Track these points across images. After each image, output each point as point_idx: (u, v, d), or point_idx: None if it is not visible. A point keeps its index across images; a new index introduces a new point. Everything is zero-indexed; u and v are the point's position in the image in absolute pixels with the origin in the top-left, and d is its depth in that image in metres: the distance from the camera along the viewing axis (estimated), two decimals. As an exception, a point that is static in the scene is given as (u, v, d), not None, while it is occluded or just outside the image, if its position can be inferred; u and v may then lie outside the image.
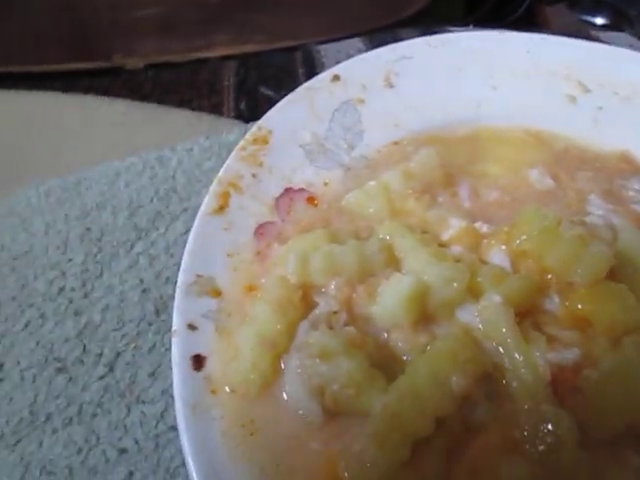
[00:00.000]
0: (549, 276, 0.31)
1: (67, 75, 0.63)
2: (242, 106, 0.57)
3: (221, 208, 0.35)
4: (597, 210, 0.38)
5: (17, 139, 0.43)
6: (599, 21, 1.36)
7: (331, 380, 0.27)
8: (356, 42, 0.68)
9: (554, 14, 1.46)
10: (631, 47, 0.68)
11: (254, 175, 0.37)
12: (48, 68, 0.64)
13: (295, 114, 0.41)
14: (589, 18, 1.37)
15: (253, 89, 0.59)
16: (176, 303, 0.31)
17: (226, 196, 0.36)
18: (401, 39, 0.71)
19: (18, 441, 0.33)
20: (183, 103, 0.57)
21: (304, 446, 0.27)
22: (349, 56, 0.66)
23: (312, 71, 0.62)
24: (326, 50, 0.66)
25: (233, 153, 0.38)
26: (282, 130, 0.40)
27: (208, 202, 0.35)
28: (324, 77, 0.43)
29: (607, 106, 0.44)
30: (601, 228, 0.35)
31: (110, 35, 0.69)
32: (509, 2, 1.44)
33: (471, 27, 0.73)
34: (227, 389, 0.29)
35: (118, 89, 0.59)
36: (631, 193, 0.40)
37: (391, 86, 0.44)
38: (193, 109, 0.56)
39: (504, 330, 0.30)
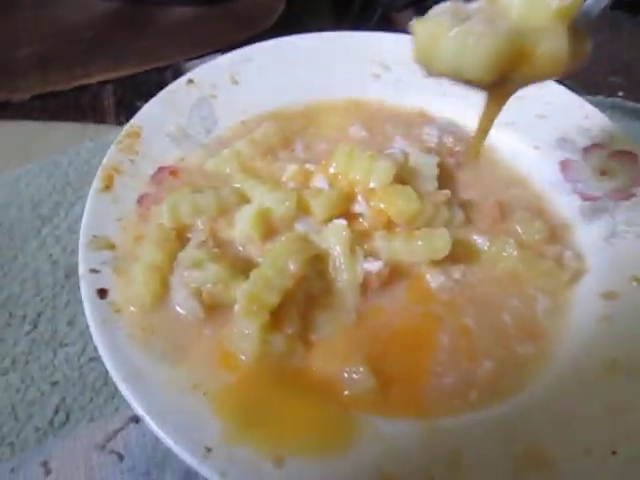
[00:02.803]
0: (355, 188, 0.44)
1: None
2: (122, 119, 0.66)
3: (107, 187, 0.45)
4: (398, 145, 0.52)
5: None
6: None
7: (204, 281, 0.38)
8: (216, 57, 0.79)
9: (403, 20, 1.67)
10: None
11: (132, 161, 0.47)
12: None
13: (160, 112, 0.51)
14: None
15: (130, 104, 0.69)
16: (80, 256, 0.40)
17: (110, 178, 0.45)
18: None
19: (-38, 393, 0.40)
20: (69, 124, 0.66)
21: (198, 333, 0.37)
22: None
23: (182, 85, 0.73)
24: (193, 66, 0.77)
25: (112, 146, 0.47)
26: (151, 125, 0.50)
27: (96, 183, 0.44)
28: (180, 82, 0.54)
29: (403, 78, 0.59)
30: (396, 154, 0.48)
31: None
32: (366, 11, 1.64)
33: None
34: (130, 309, 0.38)
35: (8, 120, 0.67)
36: (425, 136, 0.54)
37: (236, 83, 0.55)
38: (79, 128, 0.65)
39: (339, 248, 0.41)
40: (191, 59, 0.80)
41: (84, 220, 0.42)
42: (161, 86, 0.73)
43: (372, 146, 0.52)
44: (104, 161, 0.46)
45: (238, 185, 0.45)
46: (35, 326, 0.42)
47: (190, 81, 0.54)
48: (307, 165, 0.48)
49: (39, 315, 0.43)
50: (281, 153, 0.50)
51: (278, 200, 0.42)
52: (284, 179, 0.47)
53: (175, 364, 0.36)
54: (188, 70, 0.77)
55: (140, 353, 0.36)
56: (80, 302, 0.43)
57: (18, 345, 0.42)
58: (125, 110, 0.68)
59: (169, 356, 0.36)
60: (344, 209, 0.44)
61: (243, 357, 0.37)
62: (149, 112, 0.51)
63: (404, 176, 0.46)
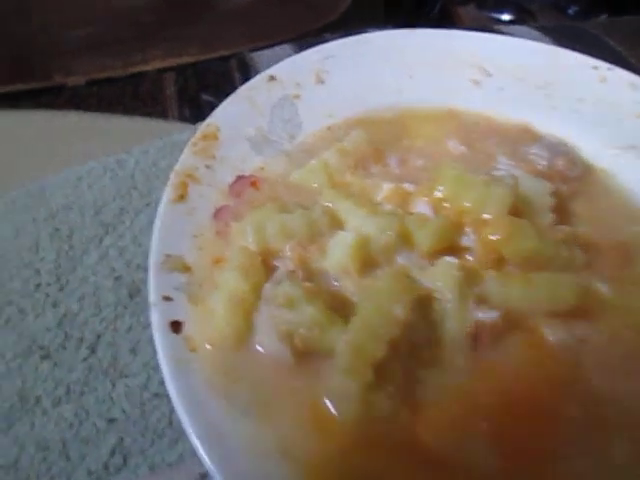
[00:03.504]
0: (464, 217, 0.38)
1: (8, 97, 0.65)
2: (186, 112, 0.61)
3: (181, 197, 0.39)
4: (502, 166, 0.45)
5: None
6: (505, 17, 1.49)
7: (298, 324, 0.32)
8: (286, 48, 0.73)
9: (465, 13, 1.58)
10: (530, 36, 0.78)
11: (208, 166, 0.42)
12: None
13: (239, 112, 0.45)
14: (496, 15, 1.50)
15: (194, 96, 0.64)
16: (150, 280, 0.34)
17: (184, 186, 0.40)
18: (326, 42, 0.78)
19: (11, 425, 0.35)
20: (128, 113, 0.60)
21: (287, 385, 0.32)
22: (280, 61, 0.72)
23: (247, 76, 0.67)
24: (259, 57, 0.72)
25: (186, 149, 0.42)
26: (229, 126, 0.44)
27: (168, 192, 0.39)
28: (261, 78, 0.48)
29: (507, 87, 0.52)
30: (504, 177, 0.41)
31: (47, 56, 0.71)
32: (424, 5, 1.55)
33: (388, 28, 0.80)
34: (207, 346, 0.33)
35: (62, 106, 0.62)
36: (531, 156, 0.48)
37: (322, 82, 0.49)
38: (139, 119, 0.60)
39: (449, 292, 0.35)
40: (256, 49, 0.74)
41: (156, 235, 0.37)
42: (226, 77, 0.69)
43: (473, 165, 0.45)
44: (178, 166, 0.41)
45: (328, 204, 0.39)
46: (93, 351, 0.37)
47: (272, 78, 0.48)
48: (405, 185, 0.42)
49: (98, 338, 0.38)
50: (373, 167, 0.44)
51: (379, 228, 0.36)
52: (379, 199, 0.41)
53: (260, 421, 0.30)
54: (253, 60, 0.72)
55: (220, 405, 0.30)
56: (144, 328, 0.38)
57: (73, 372, 0.37)
58: (188, 102, 0.63)
59: (253, 411, 0.30)
60: (450, 242, 0.38)
61: (339, 417, 0.31)
62: (226, 111, 0.45)
63: (517, 206, 0.40)
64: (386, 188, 0.41)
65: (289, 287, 0.33)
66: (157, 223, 0.37)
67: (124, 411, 0.36)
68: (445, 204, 0.39)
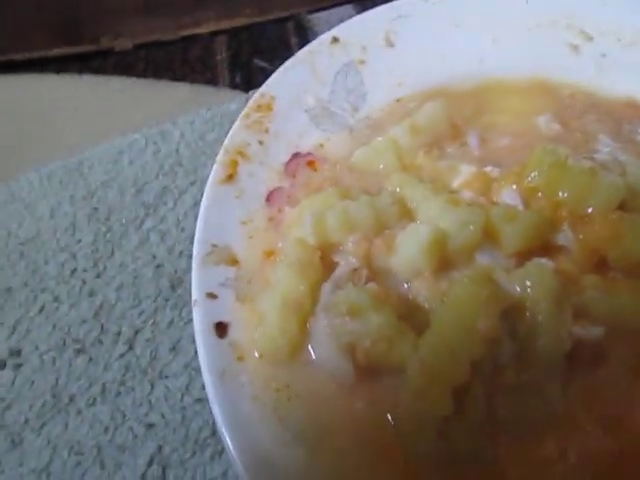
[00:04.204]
0: (561, 211, 0.31)
1: (55, 61, 0.62)
2: (237, 79, 0.56)
3: (230, 177, 0.35)
4: (605, 148, 0.38)
5: (13, 124, 0.42)
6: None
7: (362, 336, 0.27)
8: (347, 9, 0.67)
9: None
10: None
11: (260, 142, 0.37)
12: (34, 55, 0.63)
13: (297, 79, 0.40)
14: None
15: (247, 61, 0.59)
16: (194, 274, 0.30)
17: (234, 164, 0.35)
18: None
19: (43, 425, 0.33)
20: (177, 80, 0.56)
21: (347, 406, 0.27)
22: (341, 23, 0.65)
23: (305, 40, 0.61)
24: (318, 19, 0.66)
25: (237, 121, 0.37)
26: (285, 96, 0.39)
27: (216, 171, 0.35)
28: (323, 40, 0.42)
29: (610, 53, 0.44)
30: (609, 162, 0.34)
31: (95, 18, 0.67)
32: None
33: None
34: (255, 355, 0.28)
35: (109, 71, 0.58)
36: (640, 137, 0.40)
37: (391, 45, 0.43)
38: (188, 85, 0.55)
39: (543, 301, 0.29)
40: (315, 10, 0.67)
41: (201, 222, 0.32)
42: (282, 41, 0.63)
43: (569, 146, 0.38)
44: (227, 141, 0.36)
45: (397, 189, 0.34)
46: (131, 347, 0.34)
47: (335, 40, 0.42)
48: (488, 168, 0.35)
49: (136, 333, 0.34)
50: (449, 147, 0.38)
51: (461, 222, 0.30)
52: (456, 185, 0.35)
53: (316, 449, 0.26)
54: (311, 22, 0.66)
55: (271, 428, 0.26)
56: (186, 323, 0.34)
57: (109, 370, 0.34)
58: (240, 68, 0.57)
59: (308, 436, 0.26)
60: (543, 240, 0.32)
61: (409, 449, 0.26)
62: (284, 78, 0.40)
63: (625, 199, 0.33)
64: (465, 172, 0.35)
65: (353, 293, 0.28)
66: (203, 207, 0.33)
67: (163, 416, 0.32)
68: (538, 194, 0.33)
